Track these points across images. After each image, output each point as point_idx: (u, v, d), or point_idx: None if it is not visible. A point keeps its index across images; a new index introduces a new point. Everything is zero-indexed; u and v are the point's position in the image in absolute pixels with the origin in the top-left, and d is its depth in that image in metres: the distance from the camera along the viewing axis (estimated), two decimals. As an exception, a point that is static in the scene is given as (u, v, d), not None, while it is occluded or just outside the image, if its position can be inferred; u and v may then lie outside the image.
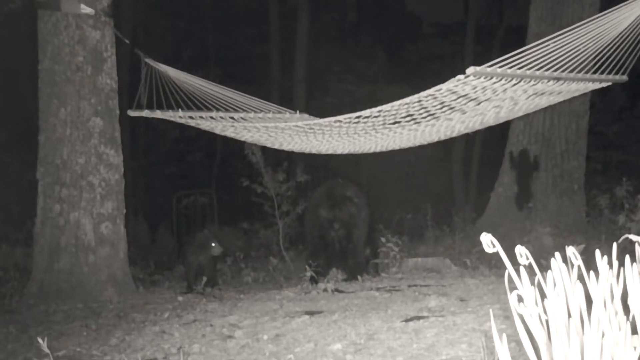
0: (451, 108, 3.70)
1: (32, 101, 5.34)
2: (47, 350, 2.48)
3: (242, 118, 4.67)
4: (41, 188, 5.02)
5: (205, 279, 4.91)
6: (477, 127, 4.26)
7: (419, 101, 3.57)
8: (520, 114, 4.23)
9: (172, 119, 4.64)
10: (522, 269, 1.45)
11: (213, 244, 5.17)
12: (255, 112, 4.76)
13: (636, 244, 1.55)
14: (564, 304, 1.45)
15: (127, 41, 5.36)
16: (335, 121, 3.93)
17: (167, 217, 10.52)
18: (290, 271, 6.11)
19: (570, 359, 1.43)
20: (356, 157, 5.67)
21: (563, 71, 3.45)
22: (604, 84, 3.94)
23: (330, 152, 4.86)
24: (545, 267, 1.50)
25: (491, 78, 3.23)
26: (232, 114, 4.66)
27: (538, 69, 3.32)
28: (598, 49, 3.54)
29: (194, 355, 3.01)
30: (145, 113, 4.59)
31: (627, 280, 1.45)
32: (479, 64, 3.16)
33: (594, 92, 5.10)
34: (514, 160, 6.64)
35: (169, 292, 5.25)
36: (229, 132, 4.69)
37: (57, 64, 4.98)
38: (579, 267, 1.47)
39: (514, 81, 3.32)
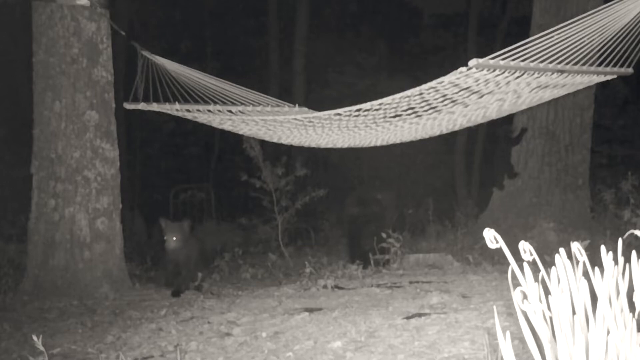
0: (453, 101, 3.65)
1: (27, 94, 5.29)
2: (41, 348, 2.44)
3: (240, 111, 4.62)
4: (35, 183, 4.97)
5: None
6: (480, 120, 4.22)
7: (421, 94, 3.52)
8: (524, 107, 4.18)
9: (168, 112, 4.58)
10: (525, 265, 1.43)
11: (165, 237, 4.84)
12: (253, 105, 4.70)
13: (642, 239, 1.53)
14: (568, 300, 1.43)
15: (123, 33, 5.30)
16: (335, 114, 3.88)
17: (164, 212, 10.45)
18: (290, 267, 6.08)
19: (574, 357, 1.40)
20: (356, 151, 5.66)
21: (567, 64, 3.41)
22: (609, 77, 3.90)
23: (330, 145, 4.82)
24: (549, 263, 1.46)
25: (494, 70, 3.18)
26: (229, 107, 4.61)
27: (542, 62, 3.27)
28: (603, 40, 3.49)
29: (191, 353, 2.98)
30: (142, 106, 4.52)
31: (632, 276, 1.43)
32: (482, 56, 3.11)
33: (597, 85, 5.05)
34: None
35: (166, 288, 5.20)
36: (227, 126, 4.64)
37: (51, 56, 4.92)
38: (583, 263, 1.45)
39: (517, 74, 3.28)
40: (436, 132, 4.40)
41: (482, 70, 3.15)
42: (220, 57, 14.23)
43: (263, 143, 6.05)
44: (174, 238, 4.77)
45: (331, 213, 9.14)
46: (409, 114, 3.85)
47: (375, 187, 6.41)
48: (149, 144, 14.37)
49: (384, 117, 3.91)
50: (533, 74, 3.33)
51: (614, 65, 3.70)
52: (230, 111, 4.59)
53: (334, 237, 8.28)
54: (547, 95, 3.95)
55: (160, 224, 4.94)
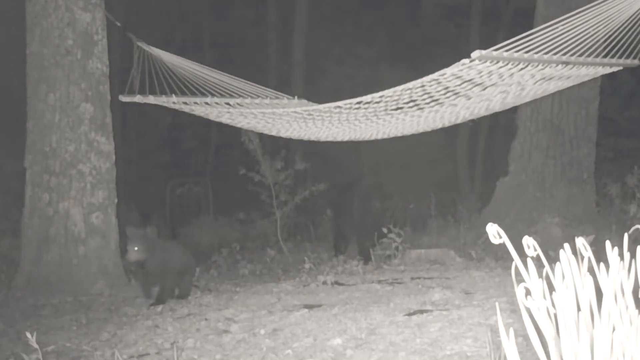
0: (456, 93, 3.64)
1: (20, 86, 5.22)
2: (35, 346, 2.40)
3: (238, 104, 4.57)
4: (29, 177, 4.91)
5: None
6: (483, 113, 4.20)
7: (422, 86, 3.51)
8: (528, 99, 4.17)
9: (165, 104, 4.55)
10: (529, 260, 1.42)
11: (128, 248, 4.12)
12: (251, 97, 4.66)
13: (647, 235, 1.51)
14: (573, 297, 1.42)
15: (118, 24, 5.22)
16: (335, 107, 3.85)
17: (160, 206, 10.43)
18: (289, 263, 6.05)
19: (579, 354, 1.40)
20: (357, 145, 5.62)
21: (572, 55, 3.41)
22: (615, 69, 3.89)
23: (329, 139, 4.80)
24: (553, 259, 1.46)
25: (497, 62, 3.19)
26: (227, 100, 4.56)
27: (546, 53, 3.29)
28: (608, 32, 3.51)
29: (188, 351, 2.95)
30: (138, 98, 4.49)
31: (638, 272, 1.43)
32: (485, 48, 3.10)
33: (602, 77, 5.00)
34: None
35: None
36: (225, 119, 4.59)
37: (45, 47, 4.86)
38: (588, 258, 1.44)
39: (521, 65, 3.28)
40: (438, 125, 4.37)
41: (485, 62, 3.15)
42: (217, 48, 14.11)
43: (261, 136, 6.00)
44: (135, 248, 4.08)
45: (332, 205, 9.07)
46: (411, 107, 3.83)
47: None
48: (145, 137, 14.26)
49: (385, 110, 3.88)
50: (537, 65, 3.32)
51: (620, 57, 3.73)
52: (228, 104, 4.55)
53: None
54: (552, 87, 3.93)
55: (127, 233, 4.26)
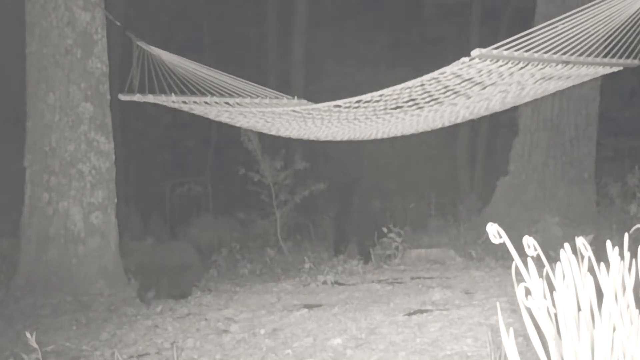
0: (455, 92, 3.61)
1: (20, 86, 5.22)
2: (35, 345, 2.41)
3: (237, 103, 4.56)
4: (29, 176, 4.92)
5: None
6: (483, 112, 4.17)
7: (422, 85, 3.49)
8: (528, 99, 4.14)
9: (164, 103, 4.54)
10: (529, 260, 1.42)
11: None
12: (251, 97, 4.65)
13: (648, 234, 1.51)
14: (573, 297, 1.42)
15: (118, 23, 5.22)
16: (335, 106, 3.83)
17: (160, 206, 10.40)
18: (288, 263, 6.04)
19: (580, 354, 1.39)
20: (356, 144, 5.60)
21: (572, 54, 3.38)
22: (615, 69, 3.86)
23: (329, 138, 4.78)
24: (554, 259, 1.45)
25: (497, 61, 3.15)
26: (227, 99, 4.55)
27: (546, 52, 3.26)
28: (609, 31, 3.48)
29: (188, 350, 2.95)
30: (137, 98, 4.48)
31: (639, 272, 1.43)
32: (485, 46, 3.08)
33: (602, 77, 4.98)
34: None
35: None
36: (224, 118, 4.58)
37: (45, 47, 4.87)
38: (589, 258, 1.43)
39: (520, 64, 3.25)
40: (438, 124, 4.35)
41: (485, 60, 3.12)
42: (217, 47, 14.08)
43: (261, 136, 5.99)
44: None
45: (333, 205, 9.06)
46: (410, 106, 3.81)
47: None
48: (144, 137, 14.21)
49: (385, 109, 3.86)
50: (537, 64, 3.30)
51: (620, 57, 3.69)
52: (227, 103, 4.53)
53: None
54: (552, 86, 3.90)
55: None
